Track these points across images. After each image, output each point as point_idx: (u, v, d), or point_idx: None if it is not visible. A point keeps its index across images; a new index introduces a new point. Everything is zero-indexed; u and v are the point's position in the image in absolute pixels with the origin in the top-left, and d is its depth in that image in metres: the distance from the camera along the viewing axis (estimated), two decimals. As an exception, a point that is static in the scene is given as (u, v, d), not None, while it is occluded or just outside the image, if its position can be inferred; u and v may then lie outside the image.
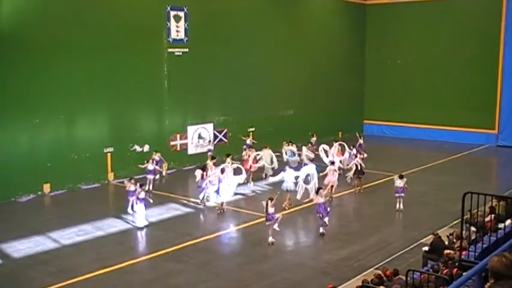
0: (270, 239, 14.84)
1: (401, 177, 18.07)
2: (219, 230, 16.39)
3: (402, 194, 17.92)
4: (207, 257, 14.37)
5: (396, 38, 33.52)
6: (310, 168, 18.72)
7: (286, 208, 17.89)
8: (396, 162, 21.37)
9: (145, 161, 20.36)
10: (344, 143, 23.10)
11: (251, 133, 26.62)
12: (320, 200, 15.59)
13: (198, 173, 18.95)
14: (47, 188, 20.06)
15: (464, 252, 9.80)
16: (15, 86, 19.05)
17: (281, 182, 18.38)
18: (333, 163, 19.86)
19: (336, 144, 22.77)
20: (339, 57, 33.19)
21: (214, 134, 26.02)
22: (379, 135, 33.82)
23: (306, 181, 18.31)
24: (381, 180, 22.03)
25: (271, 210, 14.77)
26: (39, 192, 19.86)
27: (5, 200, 18.66)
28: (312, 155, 22.57)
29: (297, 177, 18.36)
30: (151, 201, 17.67)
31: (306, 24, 30.85)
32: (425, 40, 32.29)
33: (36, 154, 19.71)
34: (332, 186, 19.03)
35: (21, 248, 14.54)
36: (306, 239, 16.23)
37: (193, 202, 19.02)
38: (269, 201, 14.86)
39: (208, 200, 18.57)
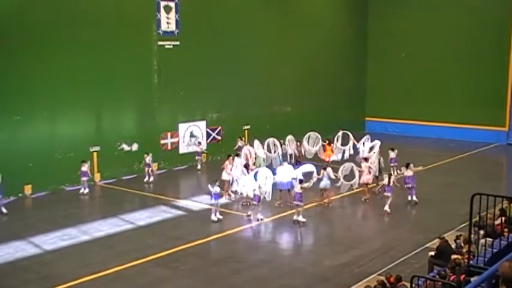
0: (386, 207, 17.72)
1: (392, 149, 22.24)
2: (212, 233, 16.30)
3: (396, 164, 21.87)
4: (200, 262, 14.30)
5: (400, 29, 33.37)
6: (348, 165, 19.91)
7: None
8: (400, 161, 21.30)
9: (209, 185, 17.23)
10: (348, 132, 23.51)
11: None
12: (409, 173, 18.71)
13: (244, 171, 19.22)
14: (28, 189, 19.94)
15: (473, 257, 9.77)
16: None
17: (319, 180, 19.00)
18: (366, 160, 20.10)
19: (338, 134, 23.43)
20: (339, 50, 33.11)
21: (207, 132, 25.96)
22: (382, 133, 33.63)
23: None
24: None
25: (391, 184, 17.92)
26: (20, 194, 19.75)
27: (-17, 203, 18.56)
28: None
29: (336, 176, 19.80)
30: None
31: (304, 15, 30.77)
32: (432, 32, 32.19)
33: (17, 153, 19.54)
34: (367, 184, 19.61)
35: None
36: (306, 243, 16.20)
37: (184, 204, 18.97)
38: (392, 176, 18.31)
39: (236, 193, 18.89)
